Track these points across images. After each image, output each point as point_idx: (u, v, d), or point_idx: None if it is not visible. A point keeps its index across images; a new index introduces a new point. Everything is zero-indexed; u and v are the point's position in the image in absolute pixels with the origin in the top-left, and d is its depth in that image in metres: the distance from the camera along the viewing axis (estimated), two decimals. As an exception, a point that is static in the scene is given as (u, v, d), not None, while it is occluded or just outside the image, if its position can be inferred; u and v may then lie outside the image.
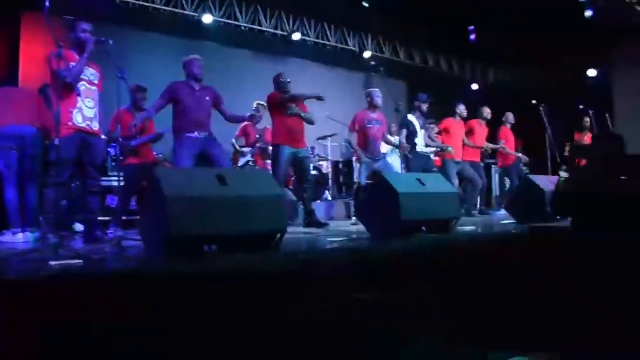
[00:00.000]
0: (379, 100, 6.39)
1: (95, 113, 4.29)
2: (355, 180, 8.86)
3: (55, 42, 3.62)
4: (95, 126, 4.29)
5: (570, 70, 12.71)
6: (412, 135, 6.79)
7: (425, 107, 6.95)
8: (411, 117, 6.91)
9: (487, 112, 8.03)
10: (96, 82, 4.33)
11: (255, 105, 7.26)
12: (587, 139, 8.90)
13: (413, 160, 6.63)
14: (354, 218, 6.24)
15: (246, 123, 6.94)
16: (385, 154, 6.69)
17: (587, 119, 8.94)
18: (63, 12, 7.36)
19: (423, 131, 6.96)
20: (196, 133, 4.86)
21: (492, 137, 8.23)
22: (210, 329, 2.49)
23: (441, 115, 8.12)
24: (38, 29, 7.12)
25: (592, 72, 12.24)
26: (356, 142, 6.37)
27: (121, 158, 5.34)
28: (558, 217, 5.15)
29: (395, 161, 7.34)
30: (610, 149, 3.22)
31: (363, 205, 4.43)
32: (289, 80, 5.80)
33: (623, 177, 2.91)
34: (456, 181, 7.28)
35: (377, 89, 6.58)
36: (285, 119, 5.64)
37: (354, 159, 6.84)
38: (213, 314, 2.49)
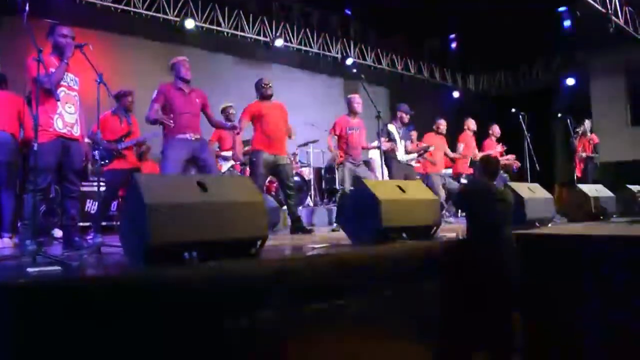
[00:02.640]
0: (358, 107, 6.43)
1: (75, 118, 4.25)
2: (338, 187, 8.91)
3: (35, 46, 3.58)
4: (76, 131, 4.25)
5: (549, 78, 12.93)
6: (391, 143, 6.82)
7: (406, 117, 7.00)
8: (391, 127, 6.97)
9: (472, 123, 8.19)
10: (76, 87, 4.30)
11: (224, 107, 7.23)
12: (585, 142, 9.14)
13: (395, 168, 6.66)
14: (335, 224, 6.25)
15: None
16: (366, 159, 6.70)
17: (587, 122, 9.20)
18: (43, 16, 7.34)
19: (403, 141, 7.01)
20: (187, 135, 4.84)
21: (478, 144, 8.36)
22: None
23: (421, 121, 8.20)
24: (18, 33, 7.03)
25: (570, 81, 12.44)
26: (336, 146, 6.42)
27: (105, 162, 5.30)
28: (537, 225, 5.25)
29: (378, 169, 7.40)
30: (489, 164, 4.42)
31: (344, 212, 4.45)
32: (270, 84, 5.79)
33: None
34: (442, 193, 7.35)
35: (357, 95, 6.59)
36: (264, 126, 5.64)
37: (335, 164, 6.85)
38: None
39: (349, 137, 6.33)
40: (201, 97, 5.08)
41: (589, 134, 9.18)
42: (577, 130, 9.16)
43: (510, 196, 4.40)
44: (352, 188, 6.03)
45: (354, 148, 6.35)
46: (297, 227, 5.71)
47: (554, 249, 4.42)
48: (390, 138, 6.82)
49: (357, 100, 6.47)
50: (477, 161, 7.88)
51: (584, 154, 9.10)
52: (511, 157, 8.64)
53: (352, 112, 6.44)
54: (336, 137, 6.41)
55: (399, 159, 6.87)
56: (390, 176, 6.69)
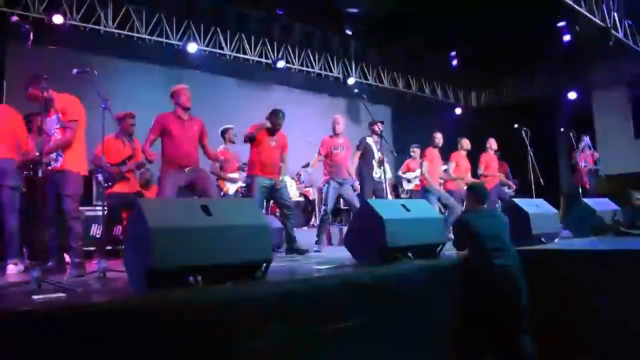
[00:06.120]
0: (338, 128, 6.56)
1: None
2: (342, 207, 8.91)
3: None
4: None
5: (551, 93, 12.93)
6: (367, 155, 7.00)
7: (378, 127, 7.04)
8: (369, 140, 7.12)
9: (467, 143, 8.16)
10: (57, 126, 4.33)
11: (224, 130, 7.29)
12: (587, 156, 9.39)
13: (367, 186, 6.89)
14: (316, 246, 6.26)
15: (221, 148, 7.00)
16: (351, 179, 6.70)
17: (585, 137, 9.53)
18: (48, 43, 7.44)
19: (380, 152, 7.06)
20: (184, 166, 4.91)
21: (474, 163, 8.30)
22: None
23: (424, 138, 8.20)
24: (24, 58, 7.13)
25: (572, 95, 12.46)
26: (321, 166, 6.61)
27: (108, 185, 5.30)
28: (543, 240, 5.21)
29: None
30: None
31: (348, 232, 4.44)
32: (283, 122, 5.88)
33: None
34: (437, 207, 7.34)
35: (339, 115, 6.76)
36: (261, 151, 5.73)
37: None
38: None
39: (333, 156, 6.47)
40: (199, 125, 5.14)
41: (587, 150, 9.37)
42: (579, 145, 9.36)
43: (502, 217, 4.44)
44: (339, 207, 6.10)
45: (339, 167, 6.45)
46: (292, 247, 5.82)
47: (560, 264, 4.39)
48: (367, 150, 6.99)
49: (338, 121, 6.61)
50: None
51: (589, 166, 9.26)
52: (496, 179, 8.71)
53: (334, 132, 6.56)
54: (322, 156, 6.57)
55: (373, 175, 7.04)
56: (362, 192, 6.83)
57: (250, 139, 5.77)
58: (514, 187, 9.32)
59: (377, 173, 7.06)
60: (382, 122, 7.09)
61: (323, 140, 6.62)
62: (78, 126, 4.33)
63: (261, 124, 5.79)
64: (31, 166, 5.14)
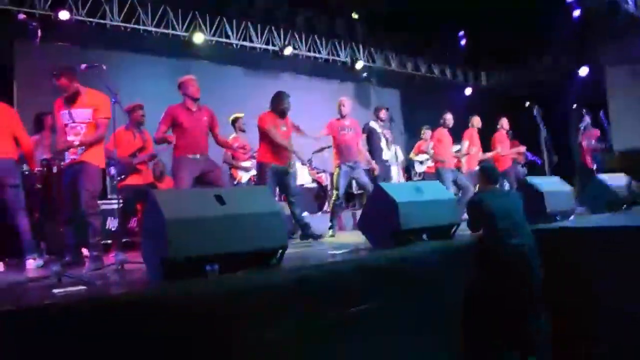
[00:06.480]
0: (343, 110, 6.50)
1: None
2: (355, 192, 8.90)
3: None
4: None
5: (562, 70, 12.78)
6: (373, 139, 7.36)
7: (382, 113, 7.21)
8: (373, 124, 7.38)
9: (477, 120, 8.09)
10: (85, 120, 4.37)
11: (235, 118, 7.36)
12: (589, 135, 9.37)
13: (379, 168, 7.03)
14: (330, 230, 6.26)
15: (232, 137, 7.01)
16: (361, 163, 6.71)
17: (587, 117, 9.40)
18: (56, 40, 7.45)
19: (387, 134, 7.32)
20: (196, 154, 4.97)
21: (487, 143, 8.25)
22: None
23: (434, 120, 8.15)
24: (31, 56, 7.16)
25: (583, 71, 12.28)
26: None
27: (121, 177, 5.34)
28: (558, 218, 5.19)
29: (394, 171, 7.58)
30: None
31: (362, 216, 4.45)
32: (290, 101, 5.80)
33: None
34: (452, 189, 7.31)
35: (344, 97, 6.73)
36: (273, 140, 5.64)
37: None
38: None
39: (340, 137, 6.40)
40: (209, 115, 5.16)
41: (591, 129, 9.29)
42: (580, 126, 9.29)
43: (515, 195, 4.43)
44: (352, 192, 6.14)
45: (347, 148, 6.38)
46: (307, 233, 5.77)
47: (576, 242, 4.37)
48: (373, 134, 7.26)
49: (343, 103, 6.55)
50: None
51: (592, 145, 9.23)
52: (522, 148, 8.74)
53: (340, 115, 6.52)
54: (331, 137, 6.54)
55: (383, 157, 7.37)
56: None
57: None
58: (522, 160, 9.28)
59: (386, 155, 7.10)
60: (387, 109, 7.11)
61: (329, 122, 6.54)
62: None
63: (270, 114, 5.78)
64: (45, 163, 5.21)
